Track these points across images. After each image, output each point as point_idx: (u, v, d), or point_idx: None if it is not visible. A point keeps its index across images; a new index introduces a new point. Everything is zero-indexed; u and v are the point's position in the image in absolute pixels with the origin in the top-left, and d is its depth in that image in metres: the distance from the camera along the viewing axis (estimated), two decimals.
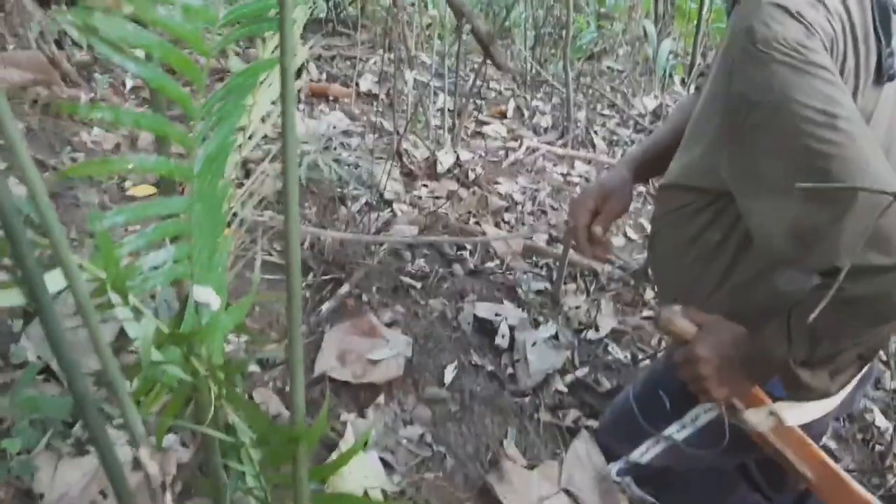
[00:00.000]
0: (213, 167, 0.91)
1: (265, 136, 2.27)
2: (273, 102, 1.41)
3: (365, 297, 1.99)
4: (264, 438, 0.78)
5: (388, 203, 2.54)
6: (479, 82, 3.61)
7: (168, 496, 0.60)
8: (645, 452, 1.46)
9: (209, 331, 0.79)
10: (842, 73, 1.00)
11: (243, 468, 0.92)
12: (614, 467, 1.50)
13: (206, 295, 0.92)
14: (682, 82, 4.94)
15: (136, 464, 0.84)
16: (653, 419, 1.41)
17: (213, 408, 0.88)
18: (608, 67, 5.15)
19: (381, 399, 1.67)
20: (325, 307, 1.88)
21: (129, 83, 2.84)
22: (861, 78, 1.02)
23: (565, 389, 1.85)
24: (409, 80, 2.93)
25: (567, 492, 1.43)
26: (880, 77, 1.02)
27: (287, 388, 1.62)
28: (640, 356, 2.04)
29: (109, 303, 0.82)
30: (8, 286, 0.62)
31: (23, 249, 0.61)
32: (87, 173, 0.74)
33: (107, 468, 0.71)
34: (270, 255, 2.00)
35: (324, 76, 3.68)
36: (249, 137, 1.37)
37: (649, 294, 2.41)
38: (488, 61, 2.84)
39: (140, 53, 0.76)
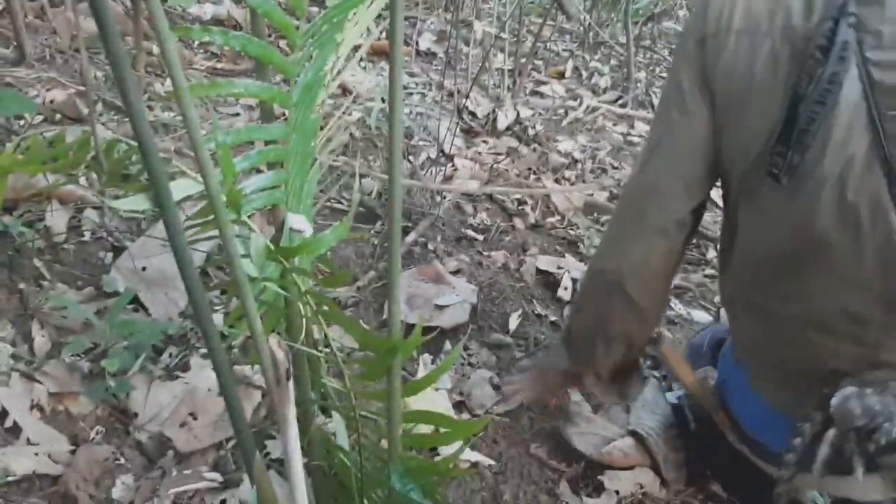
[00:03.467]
0: (308, 97, 0.94)
1: (331, 94, 2.29)
2: (353, 49, 1.44)
3: (430, 246, 2.02)
4: (364, 346, 0.81)
5: (450, 158, 2.56)
6: (537, 43, 3.58)
7: (291, 383, 0.65)
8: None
9: (313, 246, 0.83)
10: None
11: (332, 383, 0.96)
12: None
13: (300, 222, 0.96)
14: None
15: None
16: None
17: (304, 323, 0.93)
18: (668, 29, 5.05)
19: (447, 344, 1.71)
20: None
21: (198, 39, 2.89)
22: None
23: None
24: (477, 30, 2.92)
25: (634, 433, 1.45)
26: None
27: None
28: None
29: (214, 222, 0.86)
30: (138, 188, 0.66)
31: (152, 155, 0.64)
32: (197, 95, 0.78)
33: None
34: (340, 202, 2.04)
35: (383, 35, 3.69)
36: (337, 74, 1.39)
37: (711, 253, 2.40)
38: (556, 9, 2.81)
39: None
